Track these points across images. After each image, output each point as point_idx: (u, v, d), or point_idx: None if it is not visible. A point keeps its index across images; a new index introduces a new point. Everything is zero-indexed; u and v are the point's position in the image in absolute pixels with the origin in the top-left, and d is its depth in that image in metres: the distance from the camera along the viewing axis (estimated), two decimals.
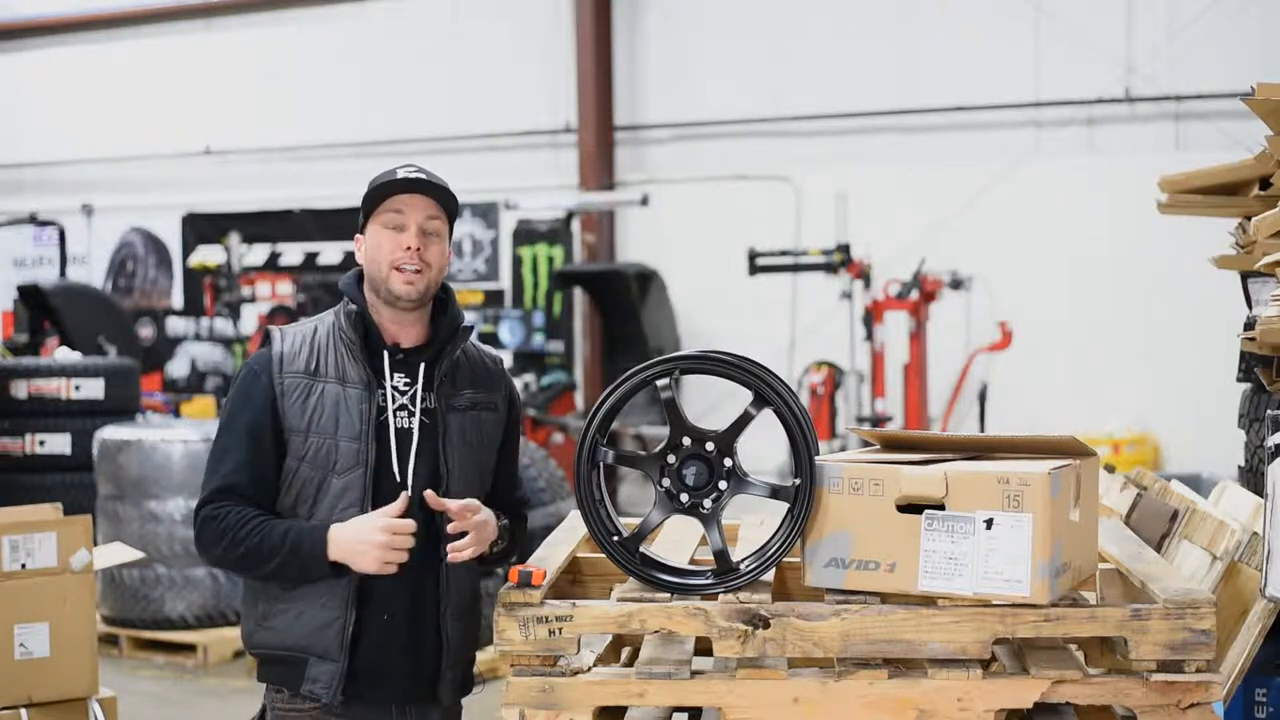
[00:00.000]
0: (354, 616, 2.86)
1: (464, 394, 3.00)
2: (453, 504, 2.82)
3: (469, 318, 13.60)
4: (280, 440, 2.88)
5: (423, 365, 2.95)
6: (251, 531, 2.83)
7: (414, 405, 2.93)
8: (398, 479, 2.89)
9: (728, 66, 12.08)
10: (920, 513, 2.59)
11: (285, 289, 14.04)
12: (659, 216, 12.17)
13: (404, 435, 2.91)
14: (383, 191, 2.92)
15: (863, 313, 10.04)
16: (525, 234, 13.03)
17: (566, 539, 3.12)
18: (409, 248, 2.89)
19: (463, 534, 2.82)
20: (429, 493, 2.83)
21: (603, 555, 2.78)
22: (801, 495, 2.65)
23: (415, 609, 2.92)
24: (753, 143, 12.05)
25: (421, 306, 2.96)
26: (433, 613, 2.93)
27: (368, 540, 2.77)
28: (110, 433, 7.70)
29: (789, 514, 2.68)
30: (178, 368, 14.48)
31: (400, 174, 2.93)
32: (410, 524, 2.80)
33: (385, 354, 2.93)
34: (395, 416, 2.91)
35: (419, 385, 2.94)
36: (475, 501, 2.88)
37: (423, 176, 2.93)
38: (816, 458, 2.66)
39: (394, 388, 2.93)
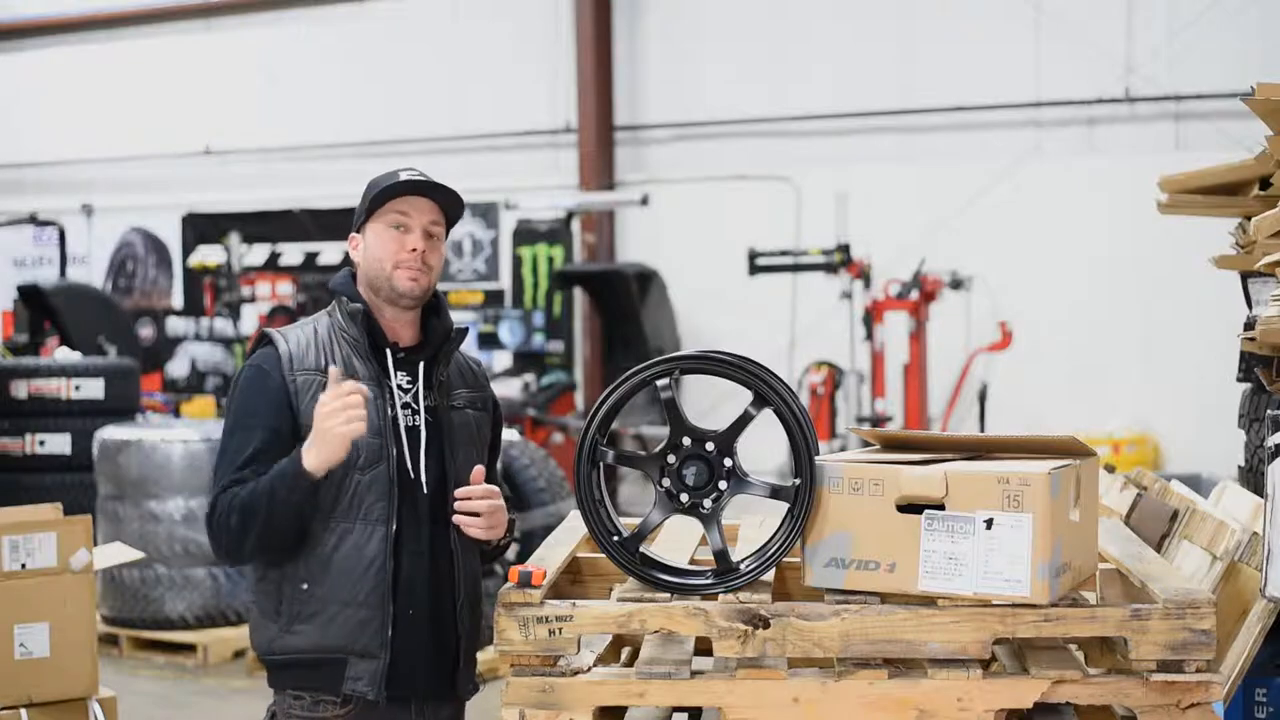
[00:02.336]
0: (392, 611, 2.86)
1: (460, 393, 3.03)
2: (477, 489, 2.87)
3: (468, 318, 13.54)
4: (297, 439, 2.82)
5: (422, 365, 2.96)
6: (241, 493, 2.79)
7: (417, 404, 2.94)
8: (411, 475, 2.90)
9: (728, 67, 12.08)
10: (920, 513, 2.58)
11: (285, 289, 14.04)
12: (659, 216, 12.17)
13: (413, 432, 2.92)
14: (388, 193, 2.92)
15: (863, 313, 10.04)
16: (525, 234, 13.03)
17: (566, 539, 3.11)
18: (414, 249, 2.89)
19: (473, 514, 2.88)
20: (468, 488, 2.87)
21: (603, 555, 2.78)
22: (801, 495, 2.65)
23: (435, 602, 2.93)
24: (753, 142, 12.05)
25: (419, 306, 2.98)
26: (450, 605, 2.95)
27: (323, 423, 2.73)
28: (110, 433, 7.70)
29: (789, 514, 2.68)
30: (178, 368, 14.47)
31: (404, 176, 2.93)
32: (352, 384, 2.77)
33: (389, 352, 2.94)
34: (401, 414, 2.92)
35: (420, 384, 2.95)
36: (494, 488, 2.93)
37: (428, 179, 2.94)
38: (816, 458, 2.66)
39: (398, 386, 2.94)
